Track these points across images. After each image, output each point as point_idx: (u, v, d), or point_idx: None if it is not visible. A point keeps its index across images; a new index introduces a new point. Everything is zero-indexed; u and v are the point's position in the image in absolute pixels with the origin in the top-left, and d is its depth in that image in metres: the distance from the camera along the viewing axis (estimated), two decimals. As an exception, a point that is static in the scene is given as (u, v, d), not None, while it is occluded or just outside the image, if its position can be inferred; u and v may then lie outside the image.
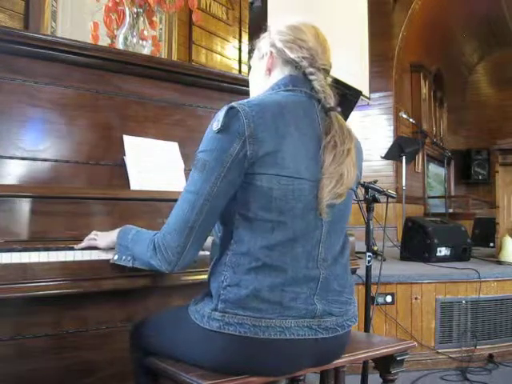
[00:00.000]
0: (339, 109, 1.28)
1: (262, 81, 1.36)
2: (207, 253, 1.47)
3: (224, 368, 1.21)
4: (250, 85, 1.44)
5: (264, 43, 1.37)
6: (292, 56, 1.29)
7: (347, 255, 1.34)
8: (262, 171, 1.17)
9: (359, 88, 4.65)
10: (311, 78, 1.28)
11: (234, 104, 1.19)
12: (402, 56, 8.27)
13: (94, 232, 1.51)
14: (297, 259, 1.20)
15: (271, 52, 1.33)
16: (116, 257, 1.38)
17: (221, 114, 1.19)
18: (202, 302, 1.25)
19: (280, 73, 1.32)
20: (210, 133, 1.21)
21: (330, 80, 1.32)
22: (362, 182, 2.23)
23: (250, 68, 1.46)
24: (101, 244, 1.45)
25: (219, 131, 1.18)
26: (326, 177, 1.21)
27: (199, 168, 1.20)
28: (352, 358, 1.41)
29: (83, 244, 1.47)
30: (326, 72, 1.32)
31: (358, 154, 1.33)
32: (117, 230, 1.42)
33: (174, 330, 1.32)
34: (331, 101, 1.28)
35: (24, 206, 1.45)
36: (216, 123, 1.19)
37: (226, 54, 5.13)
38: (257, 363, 1.20)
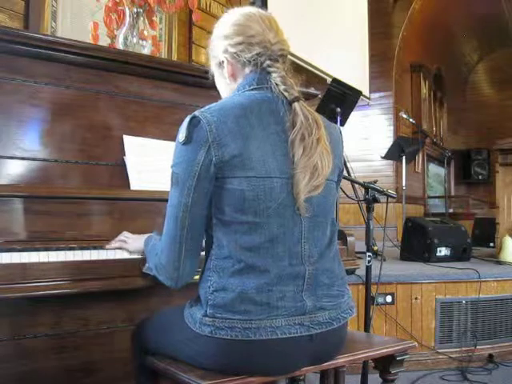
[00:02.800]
0: (303, 97, 1.27)
1: (229, 86, 1.35)
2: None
3: (221, 370, 1.21)
4: (219, 91, 1.42)
5: (216, 49, 1.34)
6: (247, 56, 1.28)
7: (335, 248, 1.33)
8: (231, 175, 1.17)
9: (359, 88, 4.65)
10: (270, 70, 1.27)
11: (195, 113, 1.20)
12: (402, 56, 8.26)
13: (124, 233, 1.55)
14: (279, 258, 1.20)
15: (227, 59, 1.32)
16: (147, 265, 1.42)
17: (184, 125, 1.20)
18: (195, 307, 1.25)
19: (243, 75, 1.31)
20: (177, 145, 1.22)
21: (288, 65, 1.31)
22: (362, 181, 2.23)
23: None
24: (130, 248, 1.51)
25: (184, 143, 1.19)
26: (299, 171, 1.20)
27: (174, 182, 1.22)
28: (352, 358, 1.41)
29: (115, 245, 1.52)
30: (284, 56, 1.31)
31: (336, 140, 1.32)
32: (145, 236, 1.45)
33: (172, 333, 1.32)
34: (294, 91, 1.26)
35: (24, 206, 1.45)
36: (181, 135, 1.20)
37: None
38: (252, 364, 1.20)
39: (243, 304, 1.17)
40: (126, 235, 1.54)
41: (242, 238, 1.18)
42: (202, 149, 1.17)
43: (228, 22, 1.32)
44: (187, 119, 1.20)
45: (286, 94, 1.25)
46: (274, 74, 1.26)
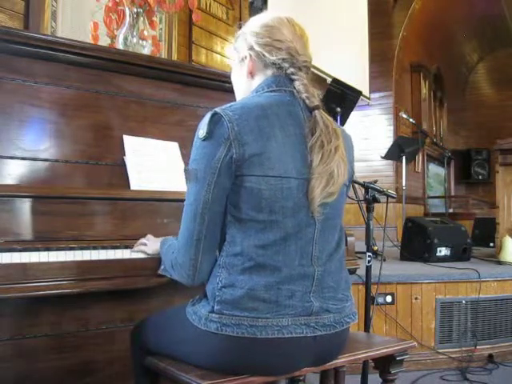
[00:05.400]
0: (323, 106, 1.28)
1: (246, 83, 1.36)
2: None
3: (223, 368, 1.21)
4: (234, 86, 1.43)
5: (241, 45, 1.35)
6: (272, 59, 1.29)
7: (342, 251, 1.34)
8: (250, 173, 1.18)
9: (359, 88, 4.66)
10: (293, 77, 1.29)
11: (216, 110, 1.20)
12: (402, 56, 8.26)
13: (147, 236, 1.57)
14: (290, 257, 1.20)
15: (250, 55, 1.32)
16: (162, 267, 1.43)
17: (205, 122, 1.20)
18: (199, 304, 1.25)
19: (262, 75, 1.32)
20: (197, 142, 1.23)
21: (310, 76, 1.33)
22: (362, 181, 2.23)
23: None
24: (148, 251, 1.53)
25: (205, 139, 1.20)
26: (316, 177, 1.21)
27: (192, 178, 1.22)
28: (352, 358, 1.41)
29: (135, 248, 1.54)
30: (308, 68, 1.33)
31: (348, 148, 1.33)
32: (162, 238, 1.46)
33: (173, 331, 1.32)
34: (314, 99, 1.28)
35: (24, 206, 1.45)
36: (201, 131, 1.20)
37: (226, 53, 5.13)
38: (256, 363, 1.20)
39: (251, 301, 1.17)
40: (147, 237, 1.56)
41: (257, 236, 1.19)
42: (222, 145, 1.17)
43: (260, 21, 1.34)
44: (208, 115, 1.21)
45: (307, 101, 1.27)
46: (296, 82, 1.28)
